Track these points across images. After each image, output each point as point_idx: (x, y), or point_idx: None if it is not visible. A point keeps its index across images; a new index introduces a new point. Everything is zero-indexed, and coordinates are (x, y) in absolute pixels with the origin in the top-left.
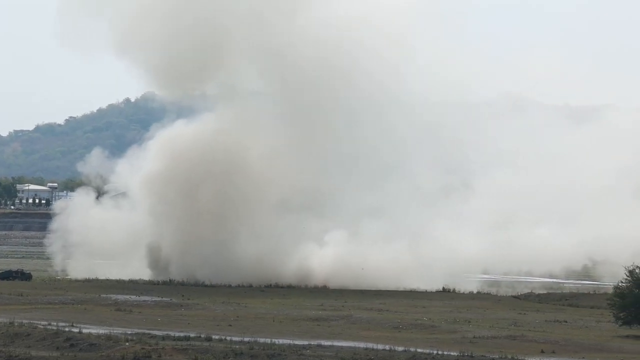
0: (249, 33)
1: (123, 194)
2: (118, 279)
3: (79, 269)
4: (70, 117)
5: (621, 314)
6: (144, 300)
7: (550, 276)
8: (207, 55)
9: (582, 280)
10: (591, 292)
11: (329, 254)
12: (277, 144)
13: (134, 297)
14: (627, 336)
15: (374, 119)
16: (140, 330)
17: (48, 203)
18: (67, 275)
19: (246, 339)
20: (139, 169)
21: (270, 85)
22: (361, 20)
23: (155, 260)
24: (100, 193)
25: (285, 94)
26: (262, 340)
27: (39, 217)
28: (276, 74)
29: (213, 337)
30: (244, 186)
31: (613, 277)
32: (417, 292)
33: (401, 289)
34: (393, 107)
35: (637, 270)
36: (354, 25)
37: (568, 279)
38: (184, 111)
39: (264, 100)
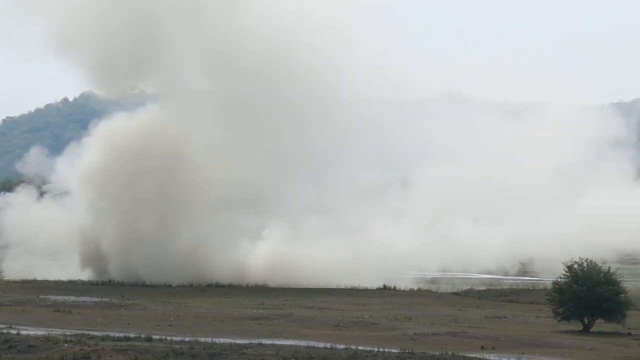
0: (186, 28)
1: (63, 193)
2: (57, 279)
3: (16, 270)
4: (8, 117)
5: (560, 310)
6: (83, 301)
7: (489, 272)
8: (143, 52)
9: (520, 276)
10: (530, 288)
11: (269, 252)
12: (218, 140)
13: (73, 298)
14: (566, 331)
15: (315, 115)
16: (79, 331)
17: None
18: (4, 277)
19: (187, 339)
20: (78, 167)
21: (211, 81)
22: (300, 14)
23: (94, 259)
24: (40, 192)
25: (226, 89)
26: (202, 339)
27: None
28: (215, 70)
29: (153, 337)
30: (185, 183)
31: (552, 273)
32: (357, 289)
33: (342, 287)
34: (333, 102)
35: (575, 266)
36: (294, 20)
37: (507, 276)
38: (123, 110)
39: (205, 96)
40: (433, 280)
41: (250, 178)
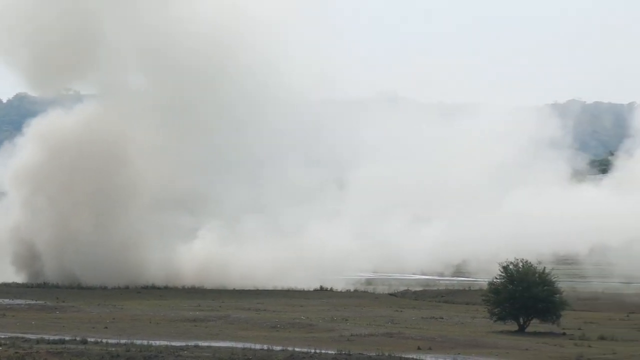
0: (121, 27)
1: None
2: None
3: None
4: None
5: (495, 310)
6: (18, 304)
7: (424, 273)
8: (78, 52)
9: (456, 277)
10: (466, 289)
11: (206, 253)
12: (155, 139)
13: (7, 301)
14: (502, 332)
15: (251, 115)
16: (13, 334)
17: None
18: None
19: (122, 341)
20: (12, 166)
21: (147, 80)
22: (236, 13)
23: (29, 260)
24: None
25: (162, 89)
26: (138, 342)
27: None
28: (152, 69)
29: (88, 339)
30: (122, 182)
31: (487, 273)
32: (294, 290)
33: (278, 288)
34: (270, 103)
35: (511, 267)
36: (230, 19)
37: (442, 276)
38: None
39: (141, 95)
40: (369, 282)
41: (187, 178)
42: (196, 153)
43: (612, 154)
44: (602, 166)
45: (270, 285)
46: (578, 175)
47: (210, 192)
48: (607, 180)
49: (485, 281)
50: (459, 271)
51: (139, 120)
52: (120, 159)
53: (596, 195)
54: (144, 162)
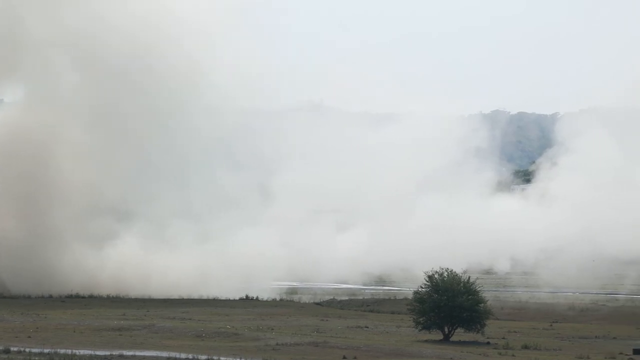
0: (48, 29)
1: None
2: None
3: None
4: None
5: (420, 319)
6: None
7: (345, 282)
8: (2, 55)
9: (382, 286)
10: (392, 298)
11: (132, 261)
12: (83, 144)
13: None
14: (427, 341)
15: (180, 122)
16: None
17: None
18: None
19: (46, 351)
20: None
21: (75, 84)
22: (166, 15)
23: None
24: None
25: (90, 92)
26: (62, 351)
27: None
28: (79, 72)
29: (11, 349)
30: (49, 188)
31: (412, 282)
32: (219, 300)
33: (204, 297)
34: (198, 108)
35: (436, 276)
36: (160, 21)
37: (369, 285)
38: None
39: (69, 99)
40: (294, 291)
41: (115, 183)
42: (125, 157)
43: (534, 163)
44: (526, 176)
45: (195, 294)
46: (502, 186)
47: (138, 198)
48: (529, 190)
49: (410, 290)
50: (381, 280)
51: (66, 124)
52: (46, 163)
53: (517, 206)
54: (71, 166)
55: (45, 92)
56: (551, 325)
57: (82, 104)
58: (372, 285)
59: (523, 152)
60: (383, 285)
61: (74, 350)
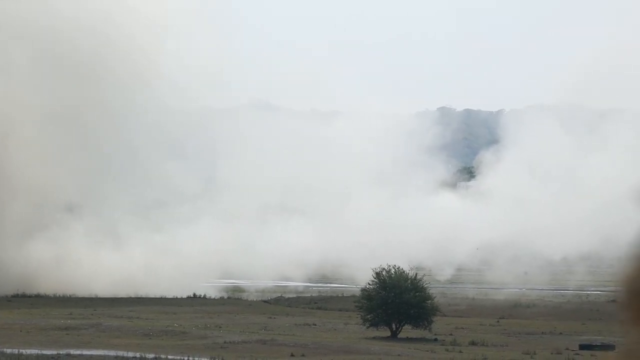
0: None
1: None
2: None
3: None
4: None
5: (368, 316)
6: None
7: (293, 279)
8: None
9: (329, 283)
10: (339, 295)
11: (80, 259)
12: (36, 140)
13: None
14: (374, 337)
15: (134, 116)
16: None
17: None
18: None
19: None
20: None
21: (30, 78)
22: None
23: None
24: None
25: (46, 89)
26: (9, 351)
27: None
28: (34, 66)
29: None
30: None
31: (360, 280)
32: (166, 298)
33: (151, 296)
34: (153, 106)
35: (383, 273)
36: (115, 14)
37: (317, 282)
38: None
39: (24, 92)
40: (242, 289)
41: (64, 179)
42: (76, 153)
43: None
44: (471, 173)
45: (142, 292)
46: (447, 183)
47: (87, 194)
48: (472, 187)
49: (357, 287)
50: (325, 277)
51: (19, 118)
52: (1, 161)
53: (460, 203)
54: (21, 160)
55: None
56: (498, 322)
57: (35, 98)
58: (317, 283)
59: (469, 149)
60: (328, 283)
61: (20, 350)
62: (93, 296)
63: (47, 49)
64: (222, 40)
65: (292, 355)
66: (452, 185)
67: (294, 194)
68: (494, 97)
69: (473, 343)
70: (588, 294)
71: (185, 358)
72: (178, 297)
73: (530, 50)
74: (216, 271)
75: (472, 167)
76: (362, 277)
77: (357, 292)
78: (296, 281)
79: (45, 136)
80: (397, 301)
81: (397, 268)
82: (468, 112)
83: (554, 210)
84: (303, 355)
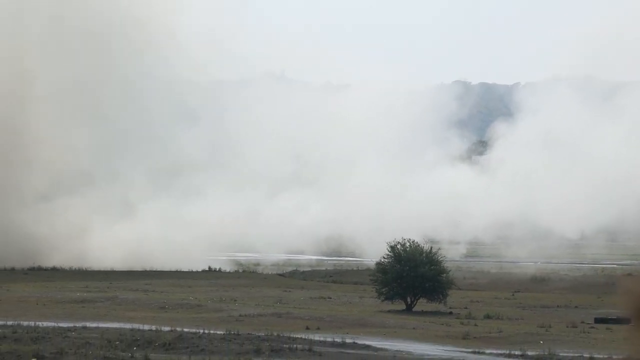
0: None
1: None
2: None
3: None
4: None
5: (383, 290)
6: None
7: (300, 252)
8: None
9: (344, 257)
10: (354, 269)
11: (98, 234)
12: (54, 112)
13: None
14: (389, 311)
15: (149, 93)
16: None
17: None
18: None
19: (9, 323)
20: None
21: (45, 58)
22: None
23: None
24: None
25: (60, 68)
26: (25, 323)
27: None
28: (52, 42)
29: None
30: (15, 165)
31: (375, 254)
32: (182, 272)
33: (167, 269)
34: (158, 84)
35: (398, 246)
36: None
37: (331, 256)
38: None
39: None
40: (258, 262)
41: (83, 154)
42: (90, 125)
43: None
44: (485, 147)
45: (158, 266)
46: (461, 156)
47: (106, 171)
48: (487, 161)
49: (372, 261)
50: (336, 251)
51: (37, 87)
52: (16, 138)
53: (473, 177)
54: (38, 133)
55: (15, 61)
56: (513, 295)
57: (51, 69)
58: (329, 256)
59: (485, 122)
60: (339, 256)
61: (37, 323)
62: (108, 269)
63: (63, 20)
64: (238, 13)
65: (307, 328)
66: (467, 158)
67: (305, 166)
68: (510, 71)
69: (488, 316)
70: (603, 268)
71: (201, 331)
72: (193, 270)
73: (547, 23)
74: (229, 244)
75: (487, 140)
76: (373, 250)
77: (372, 266)
78: (307, 254)
79: (61, 107)
80: (412, 274)
81: (412, 242)
82: (484, 86)
83: (568, 183)
84: (318, 328)
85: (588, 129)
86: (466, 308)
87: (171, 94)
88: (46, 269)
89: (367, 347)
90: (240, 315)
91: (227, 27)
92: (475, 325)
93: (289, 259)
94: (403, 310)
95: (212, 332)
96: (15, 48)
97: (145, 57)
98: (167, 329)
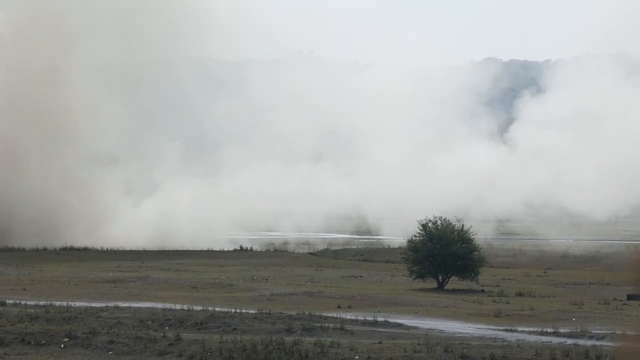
0: None
1: None
2: None
3: None
4: None
5: (415, 268)
6: None
7: (335, 231)
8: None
9: (374, 235)
10: (385, 247)
11: (129, 213)
12: (86, 92)
13: None
14: (421, 289)
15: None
16: None
17: None
18: None
19: (41, 303)
20: None
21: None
22: None
23: None
24: None
25: (92, 39)
26: (57, 303)
27: None
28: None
29: (7, 301)
30: (49, 145)
31: (404, 232)
32: (213, 251)
33: (198, 248)
34: (190, 63)
35: (429, 224)
36: None
37: (362, 235)
38: None
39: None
40: (288, 241)
41: (113, 136)
42: (120, 107)
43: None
44: (515, 125)
45: (189, 245)
46: (490, 134)
47: (139, 150)
48: (516, 139)
49: (403, 239)
50: (363, 229)
51: (69, 66)
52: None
53: (504, 155)
54: (74, 114)
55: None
56: (545, 272)
57: (83, 49)
58: (365, 235)
59: (515, 100)
60: (376, 235)
61: (69, 302)
62: (140, 249)
63: (96, 5)
64: None
65: (338, 307)
66: (496, 136)
67: (332, 144)
68: (541, 47)
69: (520, 294)
70: (636, 245)
71: (233, 310)
72: (225, 249)
73: None
74: (257, 222)
75: (517, 117)
76: (401, 227)
77: (403, 244)
78: (334, 232)
79: (94, 86)
80: (444, 253)
81: (444, 219)
82: (514, 63)
83: (599, 160)
84: (350, 307)
85: (619, 106)
86: (498, 286)
87: (202, 71)
88: (78, 249)
89: (399, 325)
90: (271, 294)
91: (260, 8)
92: (507, 302)
93: (317, 238)
94: (434, 288)
95: (243, 311)
96: (50, 28)
97: (179, 37)
98: (199, 308)
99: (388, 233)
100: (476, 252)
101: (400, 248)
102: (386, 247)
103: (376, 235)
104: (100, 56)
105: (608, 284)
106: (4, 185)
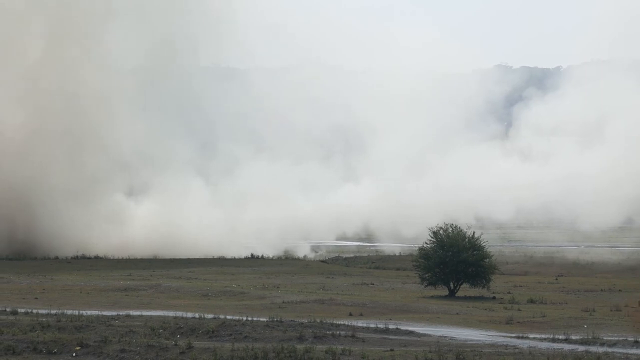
0: None
1: None
2: None
3: None
4: None
5: (426, 275)
6: None
7: (348, 238)
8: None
9: (387, 242)
10: (397, 254)
11: (140, 223)
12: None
13: None
14: (432, 296)
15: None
16: None
17: None
18: None
19: (53, 312)
20: None
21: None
22: None
23: None
24: None
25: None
26: (69, 312)
27: None
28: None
29: (19, 310)
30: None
31: (417, 240)
32: (225, 259)
33: (209, 257)
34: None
35: (440, 232)
36: None
37: (374, 242)
38: None
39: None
40: (298, 248)
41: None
42: (143, 113)
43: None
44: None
45: (200, 254)
46: (501, 140)
47: (158, 158)
48: (527, 145)
49: (415, 247)
50: (372, 236)
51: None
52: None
53: (517, 161)
54: (93, 126)
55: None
56: (556, 279)
57: (108, 55)
58: (377, 242)
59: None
60: (388, 242)
61: (80, 311)
62: (151, 257)
63: (120, 6)
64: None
65: (350, 314)
66: (506, 142)
67: (343, 151)
68: (552, 54)
69: (531, 301)
70: None
71: (244, 318)
72: (236, 257)
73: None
74: (273, 233)
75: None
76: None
77: (414, 251)
78: (342, 239)
79: (117, 92)
80: (455, 260)
81: (455, 227)
82: (525, 69)
83: (609, 166)
84: (361, 315)
85: (630, 112)
86: (509, 293)
87: (219, 78)
88: (89, 258)
89: (411, 332)
90: (283, 302)
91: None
92: (519, 309)
93: (333, 245)
94: (446, 295)
95: (255, 319)
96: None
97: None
98: (210, 316)
99: (400, 239)
100: (487, 259)
101: (411, 255)
102: (397, 254)
103: (379, 242)
104: (120, 60)
105: (620, 290)
106: (22, 200)
